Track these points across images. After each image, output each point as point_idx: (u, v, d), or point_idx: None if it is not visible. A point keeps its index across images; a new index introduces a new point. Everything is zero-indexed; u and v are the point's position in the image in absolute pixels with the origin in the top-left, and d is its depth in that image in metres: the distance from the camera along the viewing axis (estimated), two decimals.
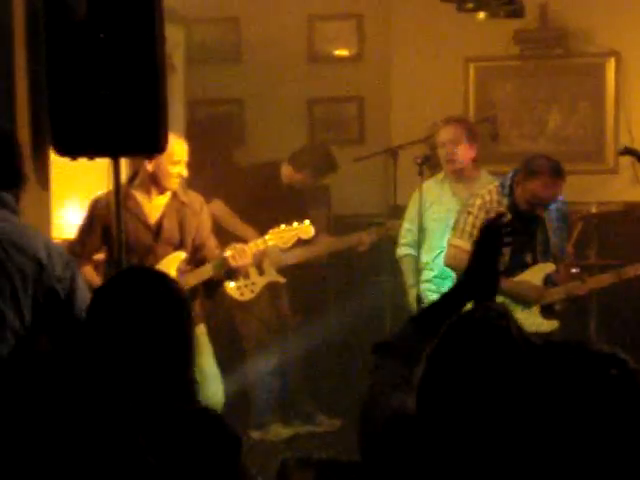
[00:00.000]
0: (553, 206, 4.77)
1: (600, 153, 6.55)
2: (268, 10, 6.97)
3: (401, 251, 5.56)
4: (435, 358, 2.09)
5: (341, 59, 7.17)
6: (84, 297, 2.99)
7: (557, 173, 4.60)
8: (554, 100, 6.69)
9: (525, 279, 4.77)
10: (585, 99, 6.66)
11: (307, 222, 4.99)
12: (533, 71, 6.67)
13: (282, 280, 5.73)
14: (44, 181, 3.92)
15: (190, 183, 5.16)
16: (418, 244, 5.37)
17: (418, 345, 2.24)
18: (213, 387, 4.84)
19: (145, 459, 2.05)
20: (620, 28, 6.50)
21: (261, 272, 5.69)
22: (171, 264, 4.63)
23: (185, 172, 4.74)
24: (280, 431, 5.88)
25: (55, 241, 4.24)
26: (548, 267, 4.79)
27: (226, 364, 5.21)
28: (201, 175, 5.42)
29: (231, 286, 5.63)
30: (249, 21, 7.11)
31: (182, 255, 4.70)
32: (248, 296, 5.71)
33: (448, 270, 5.22)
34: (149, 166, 4.66)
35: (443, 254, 5.16)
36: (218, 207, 5.72)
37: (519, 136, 6.73)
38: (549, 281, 4.82)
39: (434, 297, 5.06)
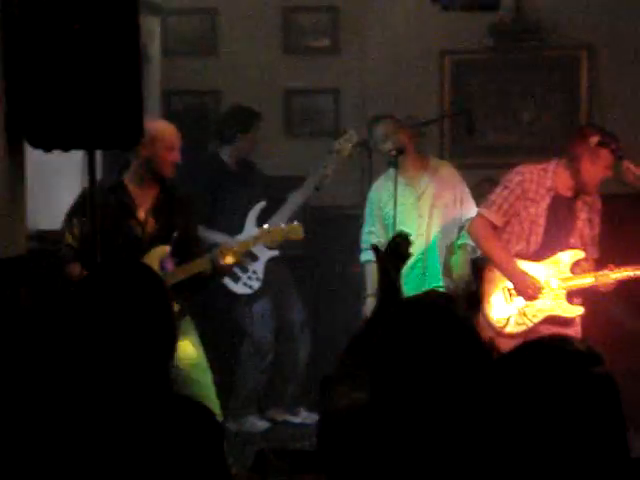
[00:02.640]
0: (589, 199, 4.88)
1: None
2: (244, 1, 6.96)
3: (363, 256, 5.56)
4: (385, 339, 2.14)
5: (317, 51, 7.16)
6: None
7: (608, 134, 4.76)
8: (528, 92, 6.72)
9: (552, 263, 4.84)
10: (559, 91, 6.70)
11: (297, 223, 4.96)
12: (508, 64, 6.70)
13: (276, 253, 5.78)
14: (19, 173, 3.90)
15: None
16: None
17: (357, 372, 2.31)
18: (204, 377, 4.86)
19: (128, 449, 2.06)
20: (594, 21, 6.54)
21: (254, 258, 5.75)
22: (154, 258, 4.57)
23: (179, 158, 4.66)
24: (256, 424, 5.89)
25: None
26: (577, 254, 4.84)
27: (213, 353, 5.26)
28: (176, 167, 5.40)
29: (236, 286, 5.73)
30: (225, 12, 7.09)
31: (166, 249, 4.62)
32: (256, 285, 5.79)
33: (413, 260, 5.26)
34: (144, 151, 4.50)
35: None
36: None
37: (494, 129, 6.76)
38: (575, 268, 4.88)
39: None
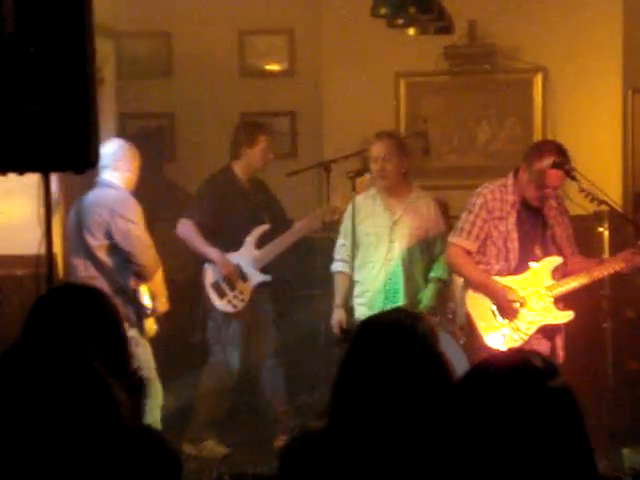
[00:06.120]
0: (553, 203, 4.89)
1: None
2: (199, 24, 6.95)
3: (335, 267, 5.58)
4: (348, 359, 2.13)
5: (273, 73, 7.18)
6: None
7: (564, 154, 4.74)
8: (483, 115, 6.78)
9: (532, 274, 4.86)
10: (513, 114, 6.76)
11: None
12: (462, 86, 6.76)
13: (268, 278, 5.77)
14: None
15: None
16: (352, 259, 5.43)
17: None
18: (153, 389, 4.87)
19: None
20: (547, 44, 6.63)
21: (244, 279, 5.74)
22: None
23: None
24: (214, 449, 5.82)
25: None
26: (555, 261, 4.88)
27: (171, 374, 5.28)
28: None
29: (220, 302, 5.73)
30: (180, 35, 7.08)
31: None
32: (240, 305, 5.76)
33: (381, 286, 5.26)
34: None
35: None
36: (184, 227, 5.80)
37: (449, 151, 6.81)
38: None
39: (363, 310, 5.12)
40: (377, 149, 5.36)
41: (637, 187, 6.63)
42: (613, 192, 5.55)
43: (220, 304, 5.75)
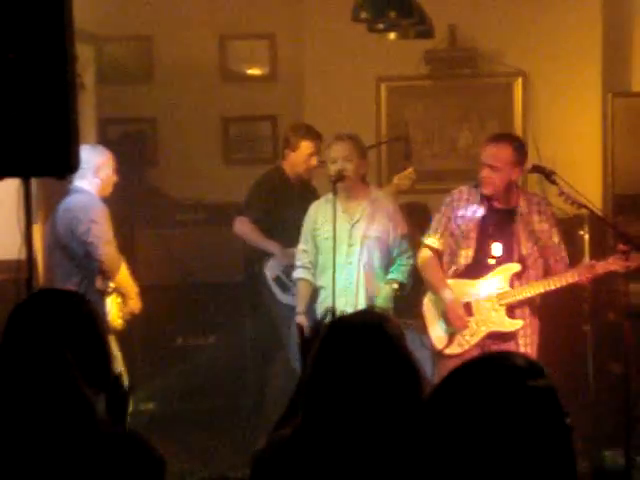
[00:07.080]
0: (534, 204, 4.88)
1: None
2: (180, 29, 6.96)
3: (296, 274, 5.54)
4: (317, 361, 2.14)
5: (254, 78, 7.19)
6: None
7: (493, 138, 4.91)
8: (464, 119, 6.81)
9: (488, 279, 4.86)
10: (494, 118, 6.80)
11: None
12: (443, 91, 6.79)
13: None
14: None
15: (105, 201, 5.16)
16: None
17: None
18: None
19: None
20: (527, 48, 6.67)
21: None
22: None
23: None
24: None
25: None
26: (513, 267, 4.86)
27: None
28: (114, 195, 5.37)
29: (284, 295, 5.79)
30: (161, 40, 7.08)
31: None
32: None
33: (342, 289, 5.22)
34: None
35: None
36: (242, 224, 5.86)
37: (430, 155, 6.83)
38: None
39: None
40: (337, 150, 5.31)
41: (617, 190, 6.66)
42: (593, 195, 5.58)
43: (284, 297, 5.79)
